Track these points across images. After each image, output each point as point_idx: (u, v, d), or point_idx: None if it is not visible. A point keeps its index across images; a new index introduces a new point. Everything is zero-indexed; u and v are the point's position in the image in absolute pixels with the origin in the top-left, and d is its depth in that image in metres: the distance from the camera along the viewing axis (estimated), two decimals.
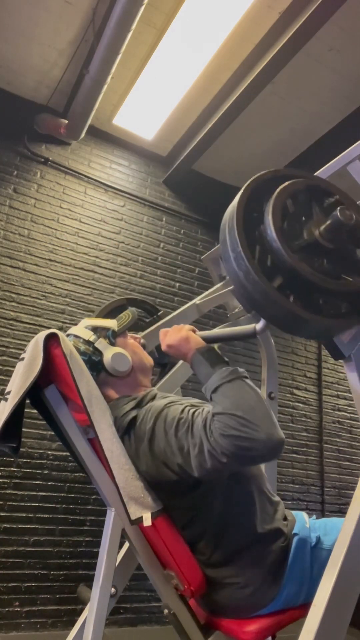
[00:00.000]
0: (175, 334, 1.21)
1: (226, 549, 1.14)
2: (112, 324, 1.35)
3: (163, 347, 1.24)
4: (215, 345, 1.21)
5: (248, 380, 1.05)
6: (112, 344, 1.32)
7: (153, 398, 1.23)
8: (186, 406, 1.10)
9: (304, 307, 1.00)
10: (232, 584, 1.13)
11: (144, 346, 1.45)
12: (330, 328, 1.05)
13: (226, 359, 1.14)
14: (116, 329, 1.35)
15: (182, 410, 1.08)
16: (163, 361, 1.81)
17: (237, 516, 1.15)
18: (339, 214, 1.03)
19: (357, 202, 1.23)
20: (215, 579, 1.15)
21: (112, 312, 1.99)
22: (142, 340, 1.46)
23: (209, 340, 1.22)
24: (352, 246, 1.09)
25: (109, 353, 1.28)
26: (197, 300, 2.02)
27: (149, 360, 1.40)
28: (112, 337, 1.33)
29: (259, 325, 1.17)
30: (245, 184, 1.10)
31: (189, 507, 1.16)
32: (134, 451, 1.15)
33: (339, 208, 1.04)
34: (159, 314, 2.28)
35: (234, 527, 1.15)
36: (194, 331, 1.23)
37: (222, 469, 1.00)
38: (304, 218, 1.08)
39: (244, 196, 1.07)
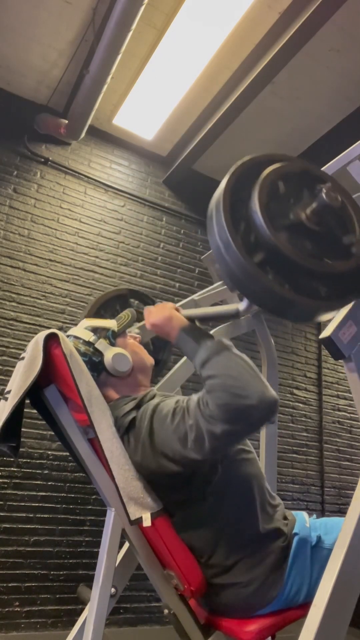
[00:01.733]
0: (158, 312, 1.22)
1: (226, 548, 1.14)
2: (111, 324, 1.36)
3: (147, 326, 1.25)
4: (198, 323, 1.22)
5: (234, 350, 1.05)
6: (113, 344, 1.32)
7: (152, 398, 1.23)
8: (180, 398, 1.12)
9: (281, 285, 1.00)
10: (232, 583, 1.13)
11: (140, 342, 1.46)
12: (309, 309, 1.04)
13: (210, 334, 1.15)
14: (116, 329, 1.35)
15: (177, 401, 1.10)
16: (157, 357, 1.81)
17: (237, 516, 1.15)
18: (324, 195, 1.04)
19: (355, 195, 1.23)
20: (216, 579, 1.15)
21: (112, 299, 1.98)
22: (137, 330, 1.46)
23: (192, 319, 1.23)
24: (339, 232, 1.09)
25: (109, 354, 1.28)
26: (195, 296, 2.02)
27: (149, 360, 1.40)
28: (112, 337, 1.33)
29: (242, 306, 1.18)
30: (237, 163, 1.11)
31: (189, 507, 1.16)
32: (134, 450, 1.15)
33: (324, 189, 1.05)
34: None
35: (234, 527, 1.15)
36: (177, 310, 1.24)
37: (221, 445, 1.00)
38: (292, 200, 1.09)
39: (234, 174, 1.08)
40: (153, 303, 2.12)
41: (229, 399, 0.94)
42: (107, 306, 1.95)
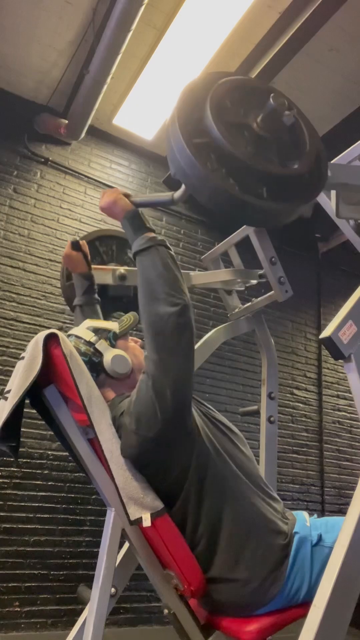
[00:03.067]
0: (107, 196, 1.29)
1: (227, 547, 1.14)
2: (113, 326, 1.36)
3: (99, 208, 1.33)
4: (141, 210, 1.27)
5: (160, 248, 1.15)
6: (113, 345, 1.32)
7: None
8: None
9: (215, 171, 1.04)
10: (233, 582, 1.13)
11: (123, 277, 1.61)
12: (245, 205, 1.07)
13: (149, 225, 1.22)
14: (117, 331, 1.35)
15: None
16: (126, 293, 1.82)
17: (237, 515, 1.15)
18: (272, 100, 1.09)
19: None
20: (217, 578, 1.15)
21: (110, 238, 1.95)
22: (122, 271, 1.59)
23: (137, 204, 1.28)
24: (290, 143, 1.14)
25: (109, 355, 1.28)
26: (191, 273, 2.05)
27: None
28: (113, 339, 1.33)
29: (178, 193, 1.21)
30: (200, 75, 1.20)
31: (189, 507, 1.15)
32: (125, 438, 1.15)
33: (272, 95, 1.10)
34: None
35: (234, 526, 1.15)
36: (127, 195, 1.30)
37: (170, 366, 1.07)
38: (242, 111, 1.14)
39: (192, 83, 1.16)
40: None
41: (148, 312, 1.09)
42: (103, 241, 1.93)
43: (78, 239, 1.61)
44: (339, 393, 4.25)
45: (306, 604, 1.03)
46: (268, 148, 1.11)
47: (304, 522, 1.23)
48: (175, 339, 1.07)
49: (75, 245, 1.58)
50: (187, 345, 1.10)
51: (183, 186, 1.17)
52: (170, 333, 1.07)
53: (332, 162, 1.66)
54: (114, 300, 1.77)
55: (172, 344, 1.07)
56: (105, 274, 1.72)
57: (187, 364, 1.12)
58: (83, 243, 1.61)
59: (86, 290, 1.60)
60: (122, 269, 1.73)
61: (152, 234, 1.19)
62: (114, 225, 3.29)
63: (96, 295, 1.62)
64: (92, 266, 1.63)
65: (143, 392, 1.09)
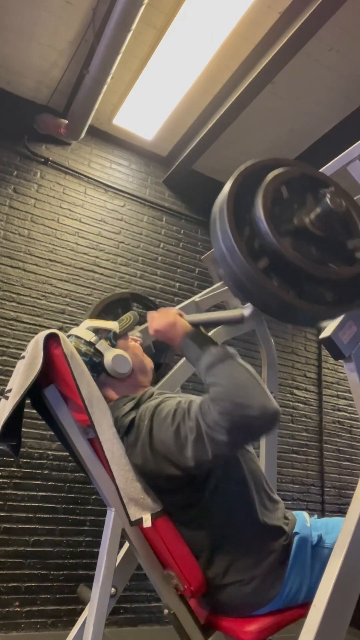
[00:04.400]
0: (162, 318, 1.22)
1: (227, 547, 1.14)
2: (113, 325, 1.36)
3: (150, 331, 1.24)
4: (203, 329, 1.21)
5: (238, 358, 1.06)
6: (113, 345, 1.32)
7: (150, 396, 1.23)
8: (182, 399, 1.11)
9: (287, 291, 1.00)
10: (233, 581, 1.13)
11: (142, 345, 1.45)
12: (314, 315, 1.04)
13: (214, 341, 1.15)
14: (118, 331, 1.35)
15: (178, 402, 1.09)
16: (158, 360, 1.81)
17: (237, 515, 1.15)
18: (329, 200, 1.03)
19: (356, 198, 1.22)
20: (217, 577, 1.15)
21: (114, 303, 1.98)
22: (138, 334, 1.46)
23: (196, 324, 1.22)
24: (343, 237, 1.09)
25: (109, 355, 1.28)
26: (196, 298, 2.02)
27: (149, 363, 1.40)
28: (114, 339, 1.33)
29: (247, 311, 1.17)
30: (241, 167, 1.10)
31: (189, 506, 1.16)
32: (134, 450, 1.15)
33: (328, 194, 1.04)
34: None
35: (234, 526, 1.15)
36: (180, 315, 1.23)
37: (221, 452, 1.00)
38: (296, 206, 1.08)
39: (238, 178, 1.07)
40: (155, 306, 2.12)
41: (232, 408, 0.94)
42: (109, 310, 1.96)
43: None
44: (339, 393, 4.25)
45: (306, 604, 1.03)
46: (328, 248, 1.06)
47: (304, 522, 1.23)
48: (257, 439, 1.02)
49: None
50: (250, 441, 1.06)
51: (251, 306, 1.14)
52: (256, 434, 1.00)
53: (331, 162, 1.67)
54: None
55: (251, 439, 1.02)
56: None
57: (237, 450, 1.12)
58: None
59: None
60: (137, 333, 1.70)
61: (223, 347, 1.09)
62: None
63: None
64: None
65: (182, 436, 1.02)
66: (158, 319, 1.23)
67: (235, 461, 1.19)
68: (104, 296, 1.96)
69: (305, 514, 1.29)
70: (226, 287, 2.04)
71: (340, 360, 1.13)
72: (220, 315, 1.35)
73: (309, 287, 1.02)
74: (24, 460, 2.71)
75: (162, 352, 1.95)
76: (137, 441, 1.13)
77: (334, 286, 1.04)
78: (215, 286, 2.12)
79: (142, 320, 1.62)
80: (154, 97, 3.15)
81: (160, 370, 1.90)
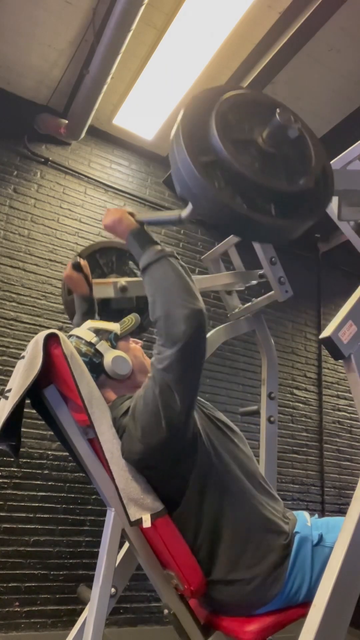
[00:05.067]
0: (111, 215, 1.28)
1: (228, 547, 1.14)
2: (114, 327, 1.36)
3: (103, 226, 1.32)
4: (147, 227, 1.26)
5: (171, 259, 1.14)
6: (114, 346, 1.32)
7: None
8: None
9: (222, 190, 1.02)
10: (234, 580, 1.13)
11: (124, 289, 1.54)
12: (254, 223, 1.05)
13: (156, 240, 1.21)
14: (119, 332, 1.35)
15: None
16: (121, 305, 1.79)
17: (237, 515, 1.15)
18: (278, 116, 1.06)
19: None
20: (217, 577, 1.15)
21: (110, 250, 1.95)
22: (123, 283, 1.50)
23: (141, 222, 1.27)
24: (296, 159, 1.12)
25: (109, 356, 1.28)
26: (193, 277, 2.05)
27: (149, 364, 1.40)
28: (114, 340, 1.33)
29: (185, 213, 1.19)
30: (203, 91, 1.16)
31: (189, 507, 1.15)
32: (130, 446, 1.14)
33: (278, 110, 1.07)
34: None
35: (235, 526, 1.15)
36: (131, 214, 1.29)
37: (180, 376, 1.06)
38: (249, 125, 1.12)
39: (193, 100, 1.12)
40: None
41: (164, 324, 1.06)
42: (104, 253, 1.92)
43: (79, 260, 1.59)
44: (339, 393, 4.25)
45: (306, 604, 1.03)
46: (275, 164, 1.10)
47: (304, 522, 1.23)
48: (190, 346, 1.05)
49: (77, 266, 1.57)
50: (199, 353, 1.09)
51: (190, 205, 1.15)
52: (184, 339, 1.04)
53: (331, 162, 1.66)
54: (117, 313, 1.76)
55: (185, 351, 1.05)
56: (106, 288, 1.72)
57: (197, 371, 1.11)
58: (84, 264, 1.60)
59: (86, 311, 1.61)
60: (123, 281, 1.72)
61: (160, 247, 1.18)
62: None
63: (96, 316, 1.62)
64: (93, 280, 1.62)
65: (149, 399, 1.08)
66: (108, 215, 1.29)
67: (218, 453, 1.18)
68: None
69: (305, 513, 1.29)
70: (227, 279, 2.05)
71: (340, 360, 1.13)
72: (162, 214, 1.40)
73: (257, 198, 1.04)
74: (24, 460, 2.72)
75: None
76: (127, 431, 1.14)
77: (275, 198, 1.06)
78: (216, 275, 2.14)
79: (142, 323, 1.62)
80: (154, 97, 3.15)
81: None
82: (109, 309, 1.69)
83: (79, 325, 1.51)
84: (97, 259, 1.88)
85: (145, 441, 1.09)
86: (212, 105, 1.11)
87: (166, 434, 1.07)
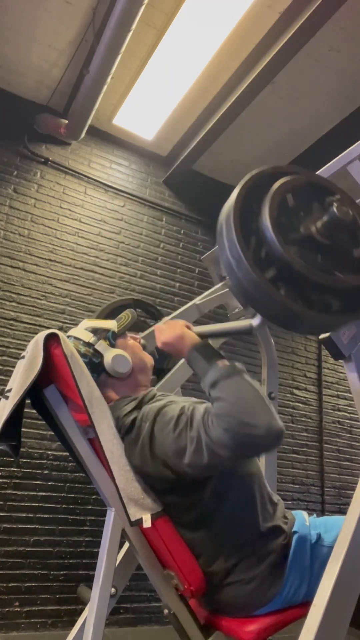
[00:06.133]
0: (170, 330, 1.21)
1: (227, 547, 1.14)
2: (112, 325, 1.36)
3: (158, 344, 1.24)
4: (210, 341, 1.20)
5: (246, 375, 1.04)
6: (113, 345, 1.32)
7: (152, 398, 1.23)
8: (185, 404, 1.10)
9: (294, 300, 1.00)
10: (233, 581, 1.13)
11: (144, 347, 1.45)
12: (322, 324, 1.04)
13: (222, 354, 1.14)
14: (116, 330, 1.35)
15: (181, 408, 1.08)
16: (161, 365, 1.80)
17: (237, 515, 1.15)
18: (335, 209, 1.03)
19: (358, 201, 1.22)
20: (217, 577, 1.15)
21: (116, 309, 1.97)
22: (142, 341, 1.45)
23: (204, 336, 1.22)
24: (349, 245, 1.08)
25: (109, 355, 1.28)
26: (197, 300, 2.01)
27: (149, 360, 1.40)
28: (112, 338, 1.33)
29: (255, 322, 1.16)
30: (246, 176, 1.10)
31: (189, 507, 1.16)
32: (134, 451, 1.15)
33: (335, 203, 1.04)
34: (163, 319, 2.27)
35: (234, 526, 1.15)
36: (188, 327, 1.23)
37: (217, 465, 1.01)
38: (302, 214, 1.08)
39: (244, 188, 1.07)
40: (157, 312, 2.12)
41: (236, 426, 0.93)
42: (111, 316, 1.94)
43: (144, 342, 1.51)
44: (339, 393, 4.25)
45: (306, 603, 1.03)
46: (332, 256, 1.06)
47: (303, 521, 1.23)
48: (260, 451, 1.02)
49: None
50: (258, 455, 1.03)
51: (259, 316, 1.13)
52: (262, 443, 0.95)
53: (331, 162, 1.67)
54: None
55: (256, 450, 1.00)
56: None
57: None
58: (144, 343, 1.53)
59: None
60: (141, 340, 1.69)
61: (230, 362, 1.09)
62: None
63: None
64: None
65: (195, 440, 1.00)
66: (166, 332, 1.22)
67: (236, 465, 1.19)
68: (107, 303, 1.92)
69: (304, 513, 1.29)
70: (227, 289, 2.04)
71: (340, 360, 1.13)
72: (229, 326, 1.34)
73: (316, 296, 1.02)
74: (24, 460, 2.71)
75: (165, 358, 1.94)
76: (137, 441, 1.13)
77: (340, 295, 1.03)
78: (215, 287, 2.11)
79: (144, 325, 1.61)
80: (154, 97, 3.15)
81: (161, 375, 1.88)
82: None
83: None
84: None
85: (157, 469, 1.09)
86: (263, 197, 1.05)
87: (177, 477, 1.07)
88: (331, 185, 1.16)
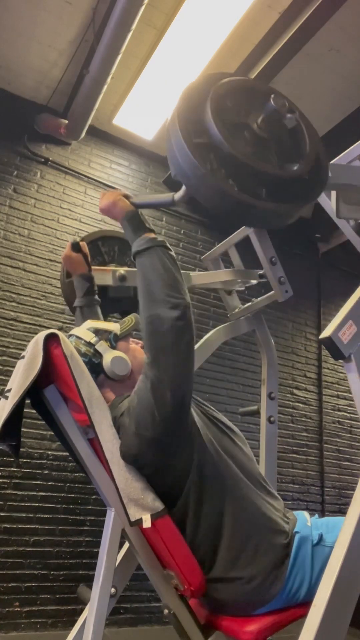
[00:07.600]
0: (106, 197, 1.31)
1: (228, 546, 1.14)
2: (114, 327, 1.36)
3: (99, 210, 1.35)
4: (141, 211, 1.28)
5: (160, 250, 1.16)
6: (114, 347, 1.32)
7: None
8: None
9: (215, 173, 1.03)
10: (234, 579, 1.13)
11: (123, 278, 1.61)
12: (244, 206, 1.06)
13: (148, 225, 1.23)
14: (118, 332, 1.35)
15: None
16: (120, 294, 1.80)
17: (237, 514, 1.15)
18: (272, 102, 1.09)
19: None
20: (217, 577, 1.15)
21: (113, 239, 1.93)
22: (122, 272, 1.58)
23: (136, 205, 1.29)
24: (290, 144, 1.14)
25: (108, 356, 1.28)
26: (192, 273, 2.04)
27: None
28: (114, 340, 1.33)
29: (178, 194, 1.21)
30: (201, 76, 1.19)
31: (189, 507, 1.16)
32: (125, 438, 1.15)
33: (273, 96, 1.10)
34: None
35: (235, 526, 1.15)
36: (127, 197, 1.31)
37: (169, 367, 1.07)
38: (242, 112, 1.14)
39: (192, 83, 1.15)
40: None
41: (147, 314, 1.09)
42: (106, 241, 1.91)
43: (78, 240, 1.61)
44: (339, 393, 4.25)
45: (306, 603, 1.03)
46: (268, 149, 1.11)
47: (304, 521, 1.23)
48: (175, 341, 1.07)
49: (76, 247, 1.58)
50: (186, 346, 1.10)
51: (183, 187, 1.17)
52: (169, 335, 1.07)
53: (332, 162, 1.67)
54: (114, 302, 1.76)
55: (172, 346, 1.07)
56: (105, 275, 1.72)
57: (186, 365, 1.11)
58: (83, 244, 1.61)
59: (86, 291, 1.60)
60: (122, 270, 1.73)
61: (152, 235, 1.19)
62: (117, 226, 3.29)
63: (96, 297, 1.62)
64: (92, 267, 1.63)
65: (142, 394, 1.10)
66: (103, 199, 1.32)
67: (218, 452, 1.18)
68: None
69: (305, 513, 1.29)
70: (225, 289, 2.05)
71: (340, 360, 1.13)
72: (157, 197, 1.44)
73: (248, 181, 1.05)
74: (24, 460, 2.71)
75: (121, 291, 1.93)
76: (127, 432, 1.14)
77: (267, 181, 1.07)
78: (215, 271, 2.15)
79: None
80: (154, 97, 3.15)
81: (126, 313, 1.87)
82: (106, 298, 1.68)
83: (80, 307, 1.58)
84: (99, 247, 1.87)
85: (140, 433, 1.10)
86: (208, 89, 1.12)
87: (160, 426, 1.07)
88: (269, 87, 1.24)
